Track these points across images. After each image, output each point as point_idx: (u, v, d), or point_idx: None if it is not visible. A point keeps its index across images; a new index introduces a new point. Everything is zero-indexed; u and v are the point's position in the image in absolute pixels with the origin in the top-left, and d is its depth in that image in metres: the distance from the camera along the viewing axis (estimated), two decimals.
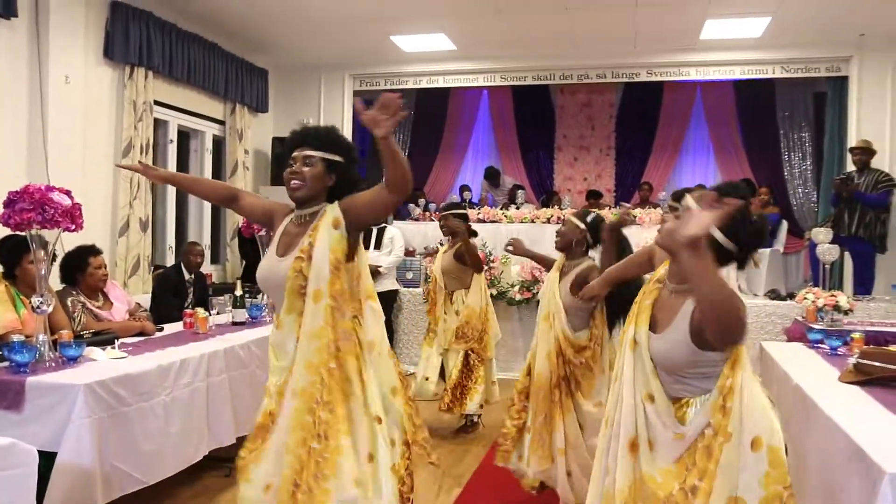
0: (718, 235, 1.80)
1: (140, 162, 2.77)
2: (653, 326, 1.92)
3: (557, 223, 4.61)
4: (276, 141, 8.27)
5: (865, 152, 6.88)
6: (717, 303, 1.64)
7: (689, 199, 1.86)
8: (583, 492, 3.17)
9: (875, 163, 6.94)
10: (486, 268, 6.52)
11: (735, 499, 1.71)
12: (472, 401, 4.76)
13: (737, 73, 7.87)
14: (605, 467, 1.97)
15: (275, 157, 8.24)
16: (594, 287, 3.13)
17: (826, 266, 5.87)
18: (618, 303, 3.26)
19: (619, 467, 1.89)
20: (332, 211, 2.29)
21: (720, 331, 1.70)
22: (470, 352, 4.81)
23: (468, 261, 4.82)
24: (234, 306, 4.50)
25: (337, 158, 2.35)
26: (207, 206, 7.44)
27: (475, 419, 5.04)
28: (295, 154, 2.34)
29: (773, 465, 1.73)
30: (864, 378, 2.87)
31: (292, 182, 2.31)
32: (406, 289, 7.00)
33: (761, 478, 1.72)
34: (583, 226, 3.53)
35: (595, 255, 3.57)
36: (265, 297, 4.67)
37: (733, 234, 1.82)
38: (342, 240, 2.27)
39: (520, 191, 9.26)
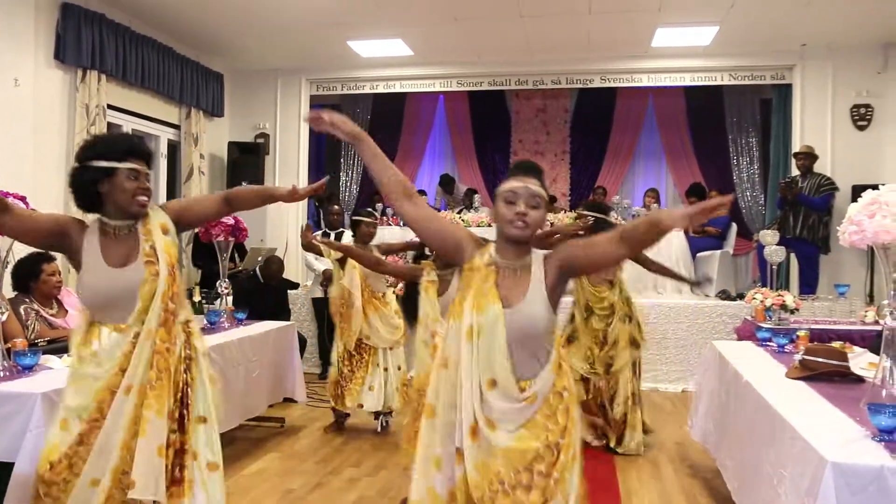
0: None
1: None
2: (504, 304, 1.98)
3: None
4: (233, 145, 8.21)
5: (808, 157, 7.15)
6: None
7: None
8: None
9: (817, 167, 7.21)
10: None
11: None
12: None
13: (687, 80, 8.09)
14: (445, 455, 2.00)
15: (231, 161, 8.18)
16: None
17: (773, 267, 6.07)
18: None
19: (466, 454, 1.94)
20: (157, 216, 2.38)
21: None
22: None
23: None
24: (193, 312, 4.45)
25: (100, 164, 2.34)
26: None
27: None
28: (139, 168, 2.33)
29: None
30: (809, 373, 2.99)
31: (142, 198, 2.33)
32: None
33: None
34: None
35: None
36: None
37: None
38: (172, 245, 2.37)
39: (475, 195, 9.35)
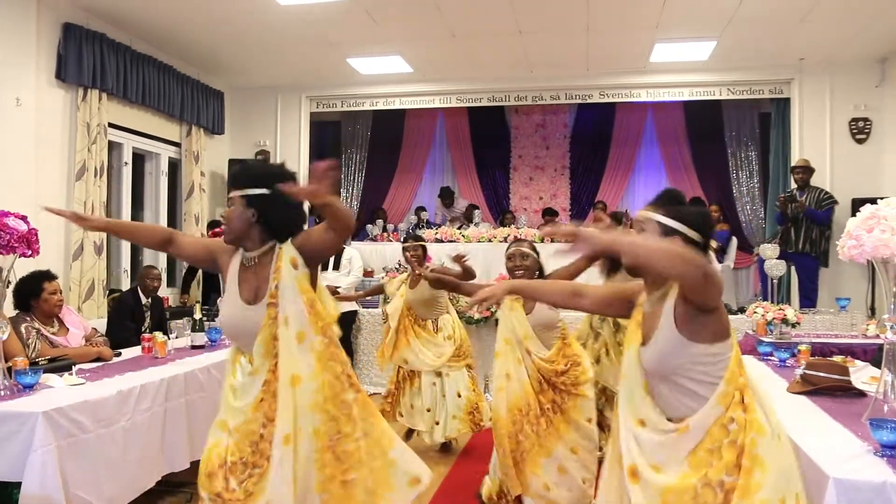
0: (677, 225, 1.94)
1: (73, 212, 2.71)
2: (643, 342, 1.97)
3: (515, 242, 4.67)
4: (233, 163, 8.23)
5: (806, 171, 7.16)
6: (661, 253, 1.76)
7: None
8: (560, 499, 3.28)
9: (815, 180, 7.22)
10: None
11: (797, 494, 1.77)
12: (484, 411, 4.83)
13: (685, 95, 8.13)
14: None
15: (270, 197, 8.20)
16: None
17: (774, 281, 6.07)
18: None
19: (632, 498, 1.88)
20: (288, 251, 2.29)
21: (686, 276, 1.76)
22: (467, 368, 4.90)
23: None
24: (194, 330, 4.46)
25: (254, 192, 2.29)
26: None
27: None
28: (231, 195, 2.36)
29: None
30: (811, 388, 2.99)
31: (223, 227, 2.37)
32: (365, 309, 7.00)
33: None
34: (535, 255, 3.63)
35: None
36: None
37: (689, 222, 1.95)
38: (305, 278, 2.28)
39: (476, 210, 9.37)
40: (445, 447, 5.00)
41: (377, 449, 2.29)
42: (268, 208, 2.29)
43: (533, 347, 3.41)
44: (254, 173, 2.35)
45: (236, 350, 2.38)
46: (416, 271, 4.91)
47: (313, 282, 2.33)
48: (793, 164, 7.52)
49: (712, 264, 1.99)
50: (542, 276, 3.61)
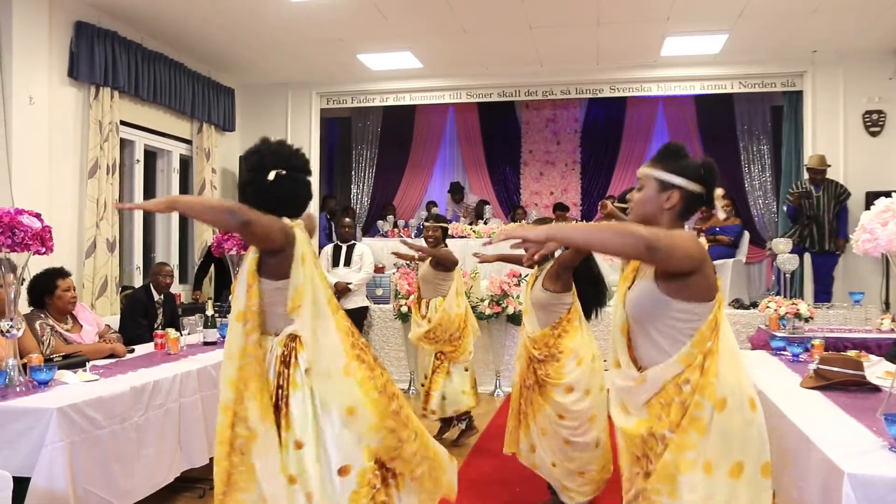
0: (675, 179, 1.94)
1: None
2: (631, 286, 2.03)
3: None
4: (244, 160, 8.25)
5: (820, 172, 7.07)
6: (595, 233, 1.83)
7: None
8: (567, 479, 3.41)
9: (830, 174, 7.16)
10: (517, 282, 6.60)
11: (739, 463, 1.80)
12: (433, 399, 4.87)
13: (697, 89, 8.07)
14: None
15: (242, 175, 8.23)
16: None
17: (786, 275, 6.03)
18: (592, 292, 3.60)
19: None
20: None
21: (626, 251, 1.81)
22: (441, 353, 4.90)
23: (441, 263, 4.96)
24: (206, 326, 4.48)
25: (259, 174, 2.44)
26: (175, 225, 7.40)
27: (465, 422, 5.06)
28: None
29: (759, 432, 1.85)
30: (824, 383, 2.97)
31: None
32: (376, 305, 7.01)
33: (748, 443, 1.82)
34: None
35: None
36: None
37: (689, 174, 1.94)
38: (253, 260, 2.36)
39: (486, 206, 9.36)
40: (464, 432, 5.07)
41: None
42: (266, 188, 2.43)
43: (527, 322, 3.60)
44: (253, 151, 2.50)
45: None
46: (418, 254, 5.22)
47: (280, 268, 2.36)
48: (806, 159, 7.47)
49: (719, 217, 2.01)
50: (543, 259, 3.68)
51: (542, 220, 4.07)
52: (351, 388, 2.28)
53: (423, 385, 5.00)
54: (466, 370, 4.94)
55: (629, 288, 2.01)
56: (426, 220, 5.31)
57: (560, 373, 3.41)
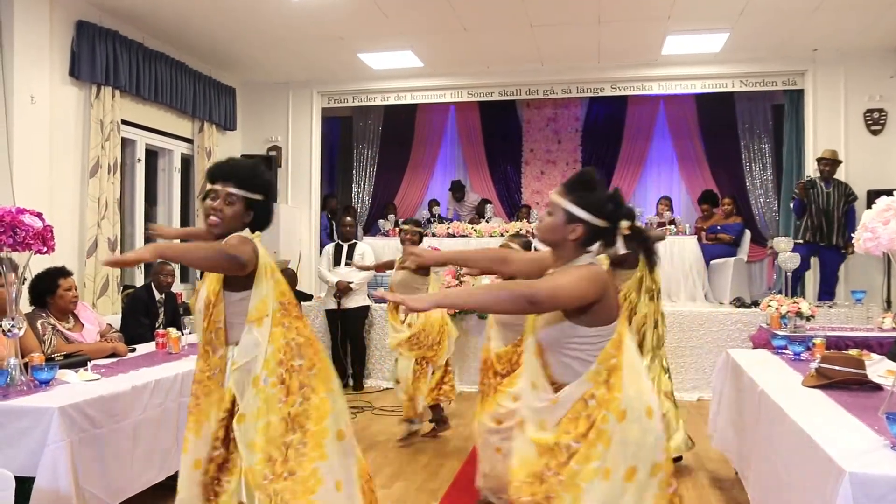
0: (582, 213, 2.01)
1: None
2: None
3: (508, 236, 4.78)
4: (245, 158, 8.24)
5: (833, 163, 7.05)
6: (487, 300, 1.94)
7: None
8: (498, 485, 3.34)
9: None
10: (456, 282, 6.59)
11: (632, 467, 1.93)
12: (419, 404, 4.89)
13: (698, 87, 8.06)
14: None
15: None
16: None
17: (787, 273, 6.03)
18: None
19: (516, 444, 2.13)
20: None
21: (516, 310, 1.97)
22: (422, 358, 4.89)
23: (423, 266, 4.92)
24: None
25: (258, 197, 2.46)
26: (177, 225, 7.40)
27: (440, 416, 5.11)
28: (218, 188, 2.42)
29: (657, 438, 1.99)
30: (826, 382, 2.97)
31: (211, 217, 2.41)
32: (378, 304, 7.01)
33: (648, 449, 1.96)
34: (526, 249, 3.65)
35: None
36: None
37: (595, 210, 2.01)
38: (217, 280, 2.42)
39: (488, 205, 9.36)
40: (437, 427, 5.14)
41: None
42: (262, 213, 2.48)
43: (493, 336, 3.55)
44: (263, 180, 2.48)
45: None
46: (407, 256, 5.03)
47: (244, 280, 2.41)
48: (808, 155, 7.46)
49: (619, 252, 2.08)
50: None
51: (519, 235, 4.12)
52: (255, 399, 2.34)
53: (405, 393, 4.92)
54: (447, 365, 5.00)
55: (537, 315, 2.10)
56: (403, 222, 5.27)
57: (514, 381, 3.36)
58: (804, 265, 6.63)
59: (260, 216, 2.48)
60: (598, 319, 1.99)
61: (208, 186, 2.44)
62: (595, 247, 2.06)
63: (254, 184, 2.44)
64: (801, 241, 6.85)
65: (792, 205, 7.31)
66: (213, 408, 2.41)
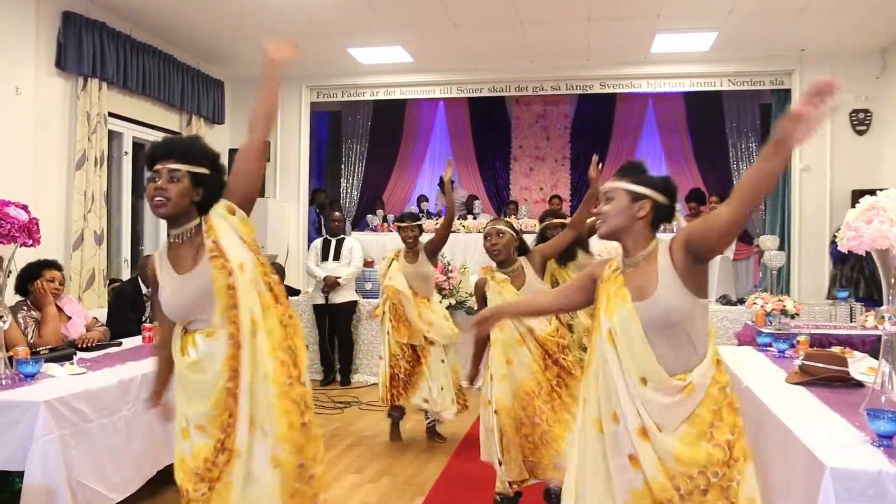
0: (645, 190, 2.02)
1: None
2: (636, 299, 1.97)
3: (491, 221, 4.58)
4: (233, 152, 8.20)
5: None
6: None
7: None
8: None
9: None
10: (444, 277, 6.60)
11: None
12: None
13: (686, 86, 8.10)
14: (616, 466, 1.97)
15: (231, 168, 8.20)
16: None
17: (773, 271, 6.08)
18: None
19: (642, 457, 1.90)
20: (217, 208, 2.22)
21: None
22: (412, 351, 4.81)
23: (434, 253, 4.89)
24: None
25: (203, 171, 2.24)
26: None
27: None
28: (158, 167, 2.21)
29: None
30: (809, 379, 3.00)
31: (156, 199, 2.19)
32: (366, 299, 7.01)
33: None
34: (513, 232, 3.58)
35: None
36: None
37: (655, 186, 2.04)
38: (244, 222, 2.22)
39: (476, 201, 9.38)
40: (433, 432, 5.04)
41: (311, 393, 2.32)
42: (211, 189, 2.24)
43: (534, 323, 3.37)
44: (205, 152, 2.29)
45: (185, 334, 2.25)
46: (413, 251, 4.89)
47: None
48: (804, 153, 7.48)
49: (680, 226, 2.09)
50: (523, 251, 3.60)
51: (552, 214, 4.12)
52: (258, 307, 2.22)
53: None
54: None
55: (636, 301, 1.97)
56: (399, 218, 5.03)
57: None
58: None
59: (210, 192, 2.23)
60: (705, 287, 1.96)
61: (148, 174, 2.25)
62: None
63: (196, 157, 2.24)
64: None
65: (830, 251, 6.94)
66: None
